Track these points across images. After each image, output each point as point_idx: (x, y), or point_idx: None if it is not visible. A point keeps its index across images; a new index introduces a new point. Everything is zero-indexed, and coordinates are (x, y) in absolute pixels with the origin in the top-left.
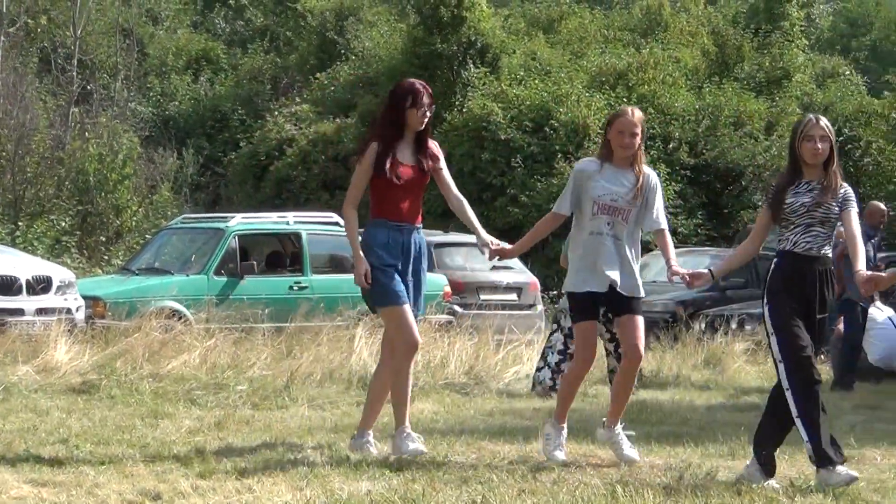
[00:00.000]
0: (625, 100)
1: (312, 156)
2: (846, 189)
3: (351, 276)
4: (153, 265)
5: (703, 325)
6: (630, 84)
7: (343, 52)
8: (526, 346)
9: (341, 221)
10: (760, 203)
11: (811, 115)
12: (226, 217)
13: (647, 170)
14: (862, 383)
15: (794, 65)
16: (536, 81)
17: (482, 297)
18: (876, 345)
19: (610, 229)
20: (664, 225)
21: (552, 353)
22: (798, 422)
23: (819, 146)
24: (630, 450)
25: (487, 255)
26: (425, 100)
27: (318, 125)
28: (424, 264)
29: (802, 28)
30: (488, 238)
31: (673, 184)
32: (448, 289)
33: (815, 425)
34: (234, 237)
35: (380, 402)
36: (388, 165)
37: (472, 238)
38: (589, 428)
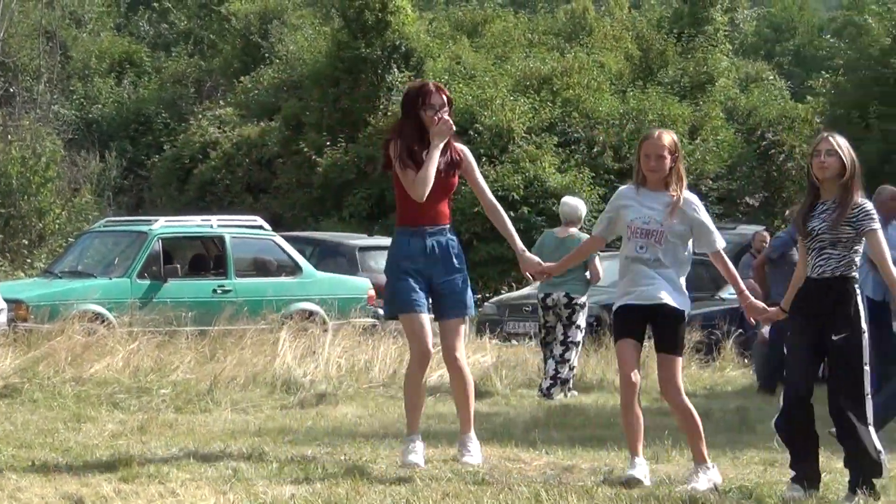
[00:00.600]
0: (549, 103)
1: (236, 159)
2: (860, 208)
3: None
4: (76, 268)
5: None
6: (554, 88)
7: (267, 55)
8: None
9: (265, 225)
10: None
11: (824, 133)
12: (149, 220)
13: (686, 194)
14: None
15: (717, 69)
16: (461, 85)
17: None
18: None
19: (644, 252)
20: (713, 248)
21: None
22: (777, 435)
23: (825, 160)
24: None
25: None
26: (434, 99)
27: (241, 128)
28: (457, 263)
29: (726, 33)
30: (528, 254)
31: (597, 188)
32: (372, 292)
33: (790, 443)
34: (158, 240)
35: (468, 402)
36: (407, 167)
37: None
38: (512, 432)
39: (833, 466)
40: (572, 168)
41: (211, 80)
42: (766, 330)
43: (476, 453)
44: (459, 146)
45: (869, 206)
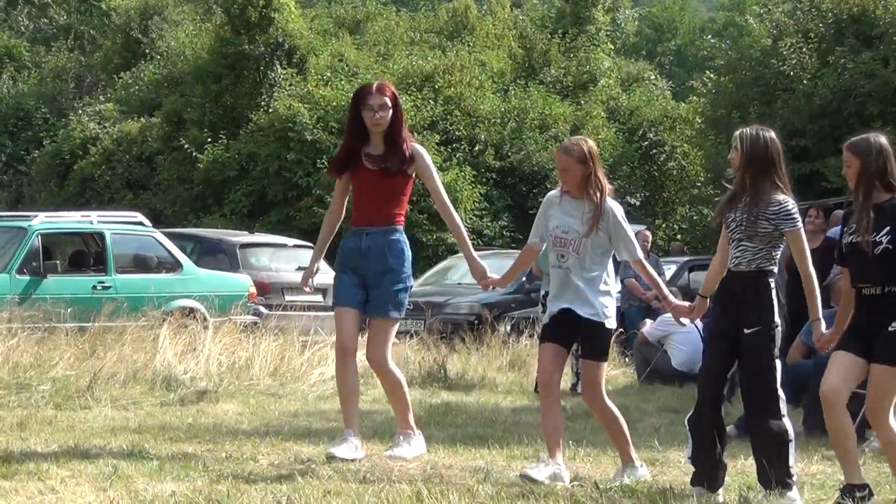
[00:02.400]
0: (431, 102)
1: (117, 155)
2: (781, 205)
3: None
4: None
5: (508, 328)
6: (437, 86)
7: (148, 51)
8: (331, 347)
9: (146, 221)
10: None
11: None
12: (28, 216)
13: (608, 202)
14: (665, 386)
15: (599, 69)
16: (343, 82)
17: (287, 297)
18: (679, 349)
19: (564, 261)
20: (634, 256)
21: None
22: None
23: (731, 154)
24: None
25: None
26: (372, 101)
27: (122, 124)
28: (389, 264)
29: (608, 33)
30: (479, 262)
31: (479, 186)
32: (253, 289)
33: (694, 440)
34: (37, 236)
35: (397, 401)
36: (345, 165)
37: (277, 239)
38: (394, 429)
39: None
40: (454, 166)
41: (91, 75)
42: (647, 329)
43: (405, 450)
44: (414, 147)
45: (790, 204)
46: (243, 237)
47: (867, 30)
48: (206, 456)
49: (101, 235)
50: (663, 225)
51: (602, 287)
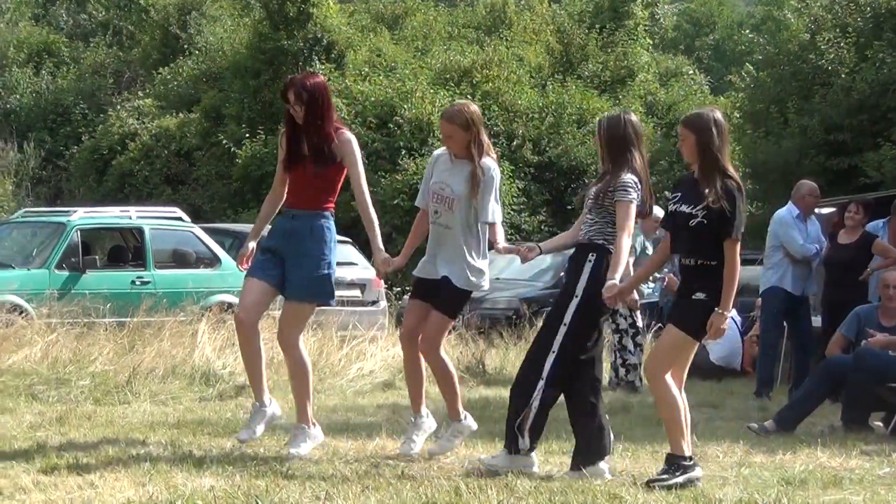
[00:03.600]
0: (469, 97)
1: (155, 150)
2: (620, 179)
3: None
4: None
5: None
6: (474, 81)
7: (186, 46)
8: (369, 342)
9: (185, 217)
10: None
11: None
12: (68, 211)
13: (485, 163)
14: (703, 381)
15: (637, 64)
16: (381, 78)
17: None
18: (717, 343)
19: (438, 217)
20: (491, 219)
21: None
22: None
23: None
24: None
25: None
26: (289, 95)
27: (160, 120)
28: (310, 248)
29: (647, 27)
30: (382, 251)
31: (517, 181)
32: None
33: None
34: (77, 231)
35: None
36: (281, 155)
37: None
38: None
39: (751, 461)
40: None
41: (130, 71)
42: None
43: (302, 445)
44: (346, 136)
45: (628, 178)
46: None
47: None
48: (245, 451)
49: (140, 231)
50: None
51: (476, 250)
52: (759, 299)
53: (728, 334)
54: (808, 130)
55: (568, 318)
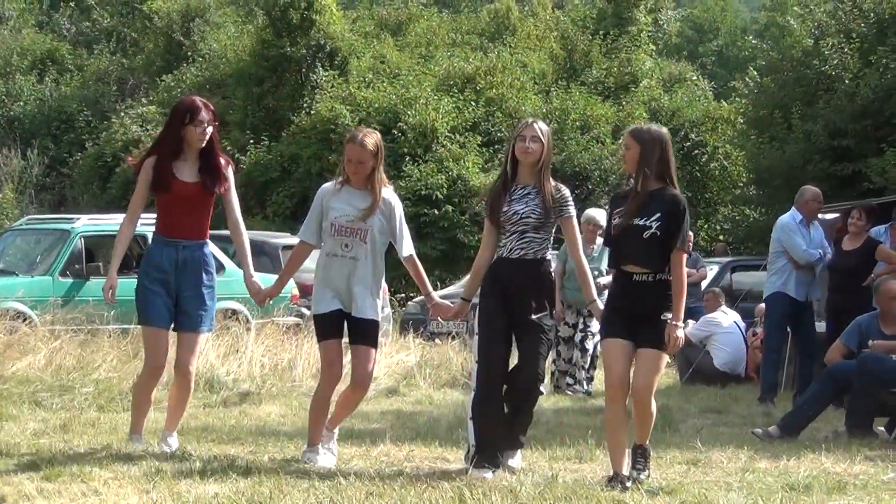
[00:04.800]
0: (473, 103)
1: None
2: (561, 194)
3: None
4: None
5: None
6: (478, 88)
7: (190, 53)
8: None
9: None
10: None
11: (529, 119)
12: (71, 218)
13: (385, 194)
14: (707, 387)
15: (641, 70)
16: (385, 84)
17: None
18: (721, 349)
19: (348, 250)
20: (412, 251)
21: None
22: (469, 423)
23: (529, 146)
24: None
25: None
26: (203, 116)
27: None
28: (205, 279)
29: (650, 34)
30: (255, 278)
31: None
32: (296, 291)
33: (478, 429)
34: (80, 238)
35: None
36: (161, 181)
37: None
38: (437, 431)
39: (755, 466)
40: (496, 168)
41: (133, 78)
42: (689, 329)
43: (173, 443)
44: (225, 158)
45: (566, 192)
46: (286, 239)
47: None
48: (249, 457)
49: (144, 238)
50: (705, 225)
51: (379, 280)
52: (763, 305)
53: (732, 340)
54: (812, 136)
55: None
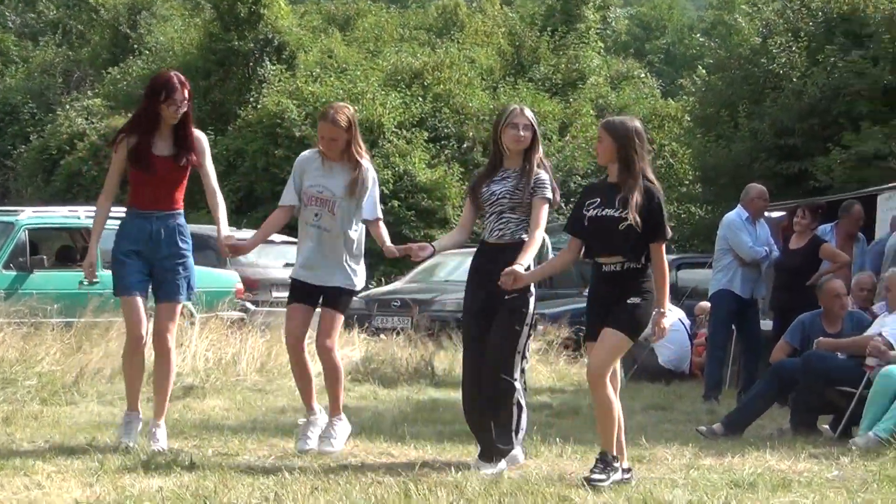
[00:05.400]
0: (420, 99)
1: (104, 151)
2: (538, 176)
3: None
4: None
5: None
6: (425, 83)
7: (136, 46)
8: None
9: None
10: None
11: (516, 105)
12: (15, 211)
13: (366, 163)
14: (652, 384)
15: (589, 67)
16: (332, 79)
17: (275, 294)
18: (666, 347)
19: (318, 220)
20: (378, 214)
21: None
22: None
23: (523, 133)
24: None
25: (222, 251)
26: (178, 95)
27: (110, 120)
28: (181, 248)
29: (598, 31)
30: (226, 232)
31: (467, 184)
32: (240, 285)
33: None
34: (24, 231)
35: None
36: (139, 157)
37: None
38: (381, 426)
39: (700, 463)
40: (442, 163)
41: (79, 70)
42: None
43: (160, 436)
44: (197, 134)
45: (545, 176)
46: (231, 233)
47: (857, 28)
48: (193, 452)
49: (89, 231)
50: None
51: (355, 250)
52: (703, 303)
53: (676, 337)
54: (759, 134)
55: (530, 318)
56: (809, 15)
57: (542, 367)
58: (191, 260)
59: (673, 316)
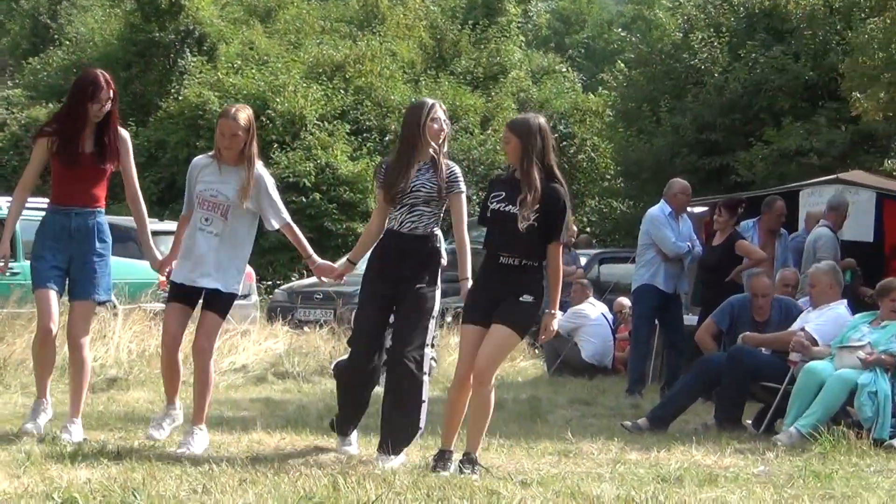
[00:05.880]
0: (342, 91)
1: (24, 141)
2: (452, 171)
3: None
4: None
5: None
6: (347, 76)
7: (56, 36)
8: (241, 336)
9: None
10: (474, 196)
11: (433, 100)
12: None
13: (259, 169)
14: (575, 378)
15: (510, 61)
16: (253, 71)
17: None
18: (589, 341)
19: (208, 224)
20: (283, 221)
21: None
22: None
23: (444, 127)
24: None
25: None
26: (103, 94)
27: (30, 110)
28: (97, 247)
29: (519, 25)
30: (155, 254)
31: None
32: (163, 278)
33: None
34: None
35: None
36: (62, 151)
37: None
38: (307, 419)
39: (626, 458)
40: (364, 156)
41: None
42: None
43: (74, 431)
44: (122, 132)
45: (457, 169)
46: (152, 224)
47: (778, 24)
48: (119, 443)
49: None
50: (573, 217)
51: (241, 253)
52: (621, 299)
53: (600, 332)
54: (681, 129)
55: (436, 311)
56: (731, 11)
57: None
58: (108, 259)
59: (596, 310)
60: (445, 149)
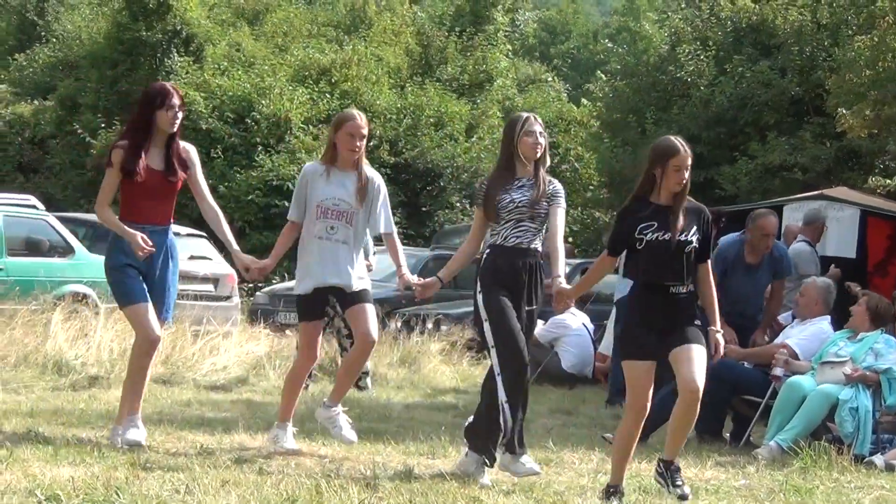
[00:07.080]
0: (327, 95)
1: (8, 137)
2: (554, 185)
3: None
4: None
5: (398, 324)
6: (333, 80)
7: (43, 33)
8: (223, 337)
9: (39, 205)
10: (458, 203)
11: (528, 114)
12: None
13: (371, 173)
14: (556, 388)
15: (496, 69)
16: (240, 73)
17: (180, 286)
18: (569, 351)
19: (333, 233)
20: (391, 229)
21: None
22: (504, 406)
23: (540, 140)
24: (349, 431)
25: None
26: (175, 101)
27: (15, 106)
28: (172, 265)
29: (507, 33)
30: (248, 260)
31: None
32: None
33: (515, 411)
34: None
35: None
36: (134, 169)
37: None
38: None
39: (608, 468)
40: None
41: None
42: (538, 331)
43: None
44: (185, 146)
45: (559, 185)
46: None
47: (765, 39)
48: (101, 442)
49: None
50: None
51: (361, 251)
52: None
53: (581, 342)
54: None
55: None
56: (718, 24)
57: (446, 368)
58: (176, 279)
59: (577, 320)
60: (548, 163)
